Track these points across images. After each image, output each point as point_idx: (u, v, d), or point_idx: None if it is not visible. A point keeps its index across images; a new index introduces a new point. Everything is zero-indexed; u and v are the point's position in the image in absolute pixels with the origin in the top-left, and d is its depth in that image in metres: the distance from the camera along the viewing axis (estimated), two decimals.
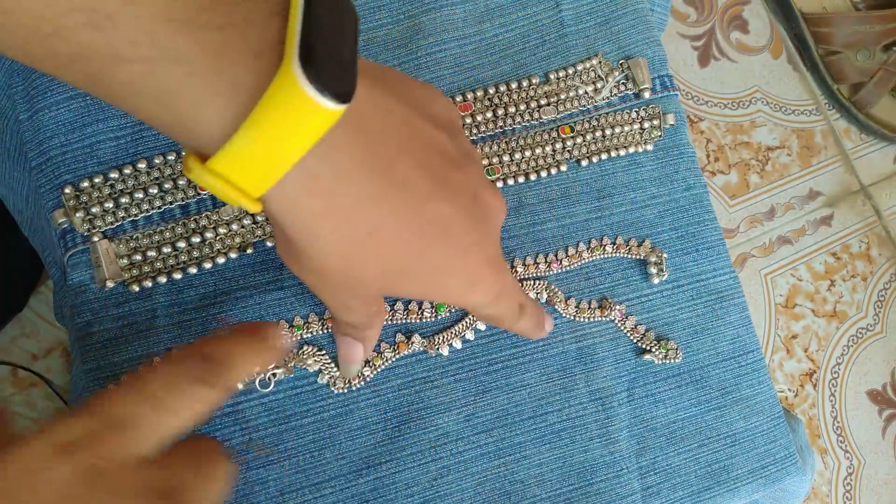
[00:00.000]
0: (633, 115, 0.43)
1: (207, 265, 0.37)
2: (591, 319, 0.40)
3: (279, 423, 0.37)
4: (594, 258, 0.41)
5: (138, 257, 0.36)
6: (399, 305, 0.38)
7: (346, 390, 0.37)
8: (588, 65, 0.42)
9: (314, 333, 0.37)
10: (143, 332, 0.36)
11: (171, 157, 0.37)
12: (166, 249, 0.36)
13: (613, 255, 0.41)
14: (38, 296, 0.77)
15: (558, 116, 0.42)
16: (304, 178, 0.24)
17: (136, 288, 0.36)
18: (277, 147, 0.23)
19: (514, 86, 0.41)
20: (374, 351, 0.38)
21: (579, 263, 0.41)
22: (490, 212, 0.31)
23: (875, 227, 0.99)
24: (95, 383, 0.36)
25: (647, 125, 0.43)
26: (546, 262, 0.40)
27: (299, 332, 0.37)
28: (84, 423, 0.24)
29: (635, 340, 0.41)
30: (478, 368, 0.39)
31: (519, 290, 0.34)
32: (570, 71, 0.42)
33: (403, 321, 0.38)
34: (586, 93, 0.42)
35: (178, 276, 0.37)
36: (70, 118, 0.37)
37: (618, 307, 0.41)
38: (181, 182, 0.37)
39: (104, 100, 0.24)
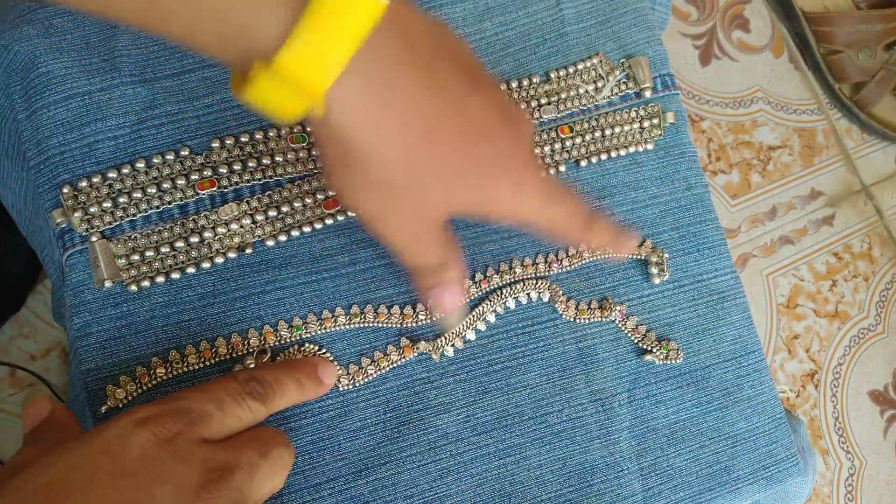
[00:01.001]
0: (633, 114, 0.42)
1: (206, 265, 0.37)
2: (592, 320, 0.40)
3: (277, 423, 0.36)
4: (595, 258, 0.41)
5: (137, 257, 0.36)
6: (395, 310, 0.38)
7: (350, 387, 0.37)
8: (589, 64, 0.42)
9: (313, 334, 0.37)
10: (142, 333, 0.36)
11: (170, 157, 0.37)
12: (164, 249, 0.36)
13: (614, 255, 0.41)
14: (37, 296, 0.77)
15: (559, 116, 0.41)
16: (359, 77, 0.26)
17: (134, 288, 0.36)
18: (337, 35, 0.25)
19: (514, 85, 0.41)
20: (379, 352, 0.38)
21: (580, 263, 0.41)
22: (521, 119, 0.33)
23: (877, 227, 0.99)
24: (94, 383, 0.36)
25: (646, 124, 0.42)
26: (546, 262, 0.40)
27: (298, 332, 0.37)
28: (160, 407, 0.30)
29: (636, 341, 0.41)
30: (478, 369, 0.39)
31: (580, 200, 0.35)
32: (571, 70, 0.42)
33: (399, 324, 0.38)
34: (587, 92, 0.42)
35: (176, 276, 0.36)
36: (68, 117, 0.37)
37: (618, 308, 0.40)
38: (179, 182, 0.37)
39: (154, 28, 0.25)
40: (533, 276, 0.40)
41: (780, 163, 0.98)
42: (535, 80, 0.41)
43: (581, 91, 0.42)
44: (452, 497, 0.38)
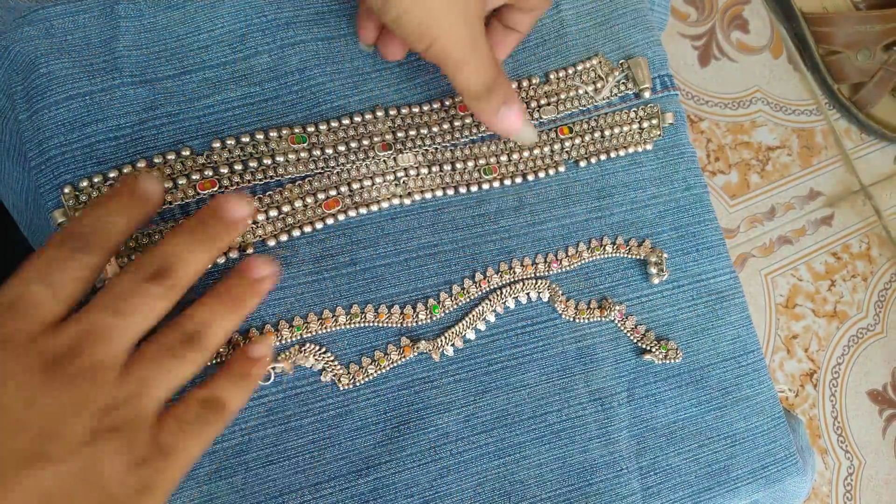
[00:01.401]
0: (632, 114, 0.43)
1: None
2: (591, 320, 0.40)
3: (279, 423, 0.37)
4: (594, 258, 0.41)
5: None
6: (395, 309, 0.38)
7: (350, 386, 0.37)
8: (588, 65, 0.42)
9: (314, 333, 0.37)
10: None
11: (171, 157, 0.37)
12: None
13: (613, 255, 0.41)
14: None
15: (558, 116, 0.42)
16: None
17: None
18: None
19: (514, 86, 0.41)
20: (380, 352, 0.38)
21: (579, 263, 0.41)
22: None
23: (875, 227, 0.99)
24: None
25: (645, 125, 0.43)
26: (546, 262, 0.40)
27: (299, 332, 0.37)
28: None
29: (635, 340, 0.41)
30: (477, 369, 0.39)
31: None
32: (570, 71, 0.42)
33: (400, 324, 0.38)
34: (586, 93, 0.42)
35: None
36: (69, 118, 0.37)
37: (618, 307, 0.41)
38: (181, 182, 0.37)
39: None
40: (532, 275, 0.40)
41: (779, 163, 0.98)
42: (534, 81, 0.42)
43: (580, 92, 0.42)
44: (452, 496, 0.38)
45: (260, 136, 0.38)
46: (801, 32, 0.99)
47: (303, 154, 0.38)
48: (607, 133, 0.42)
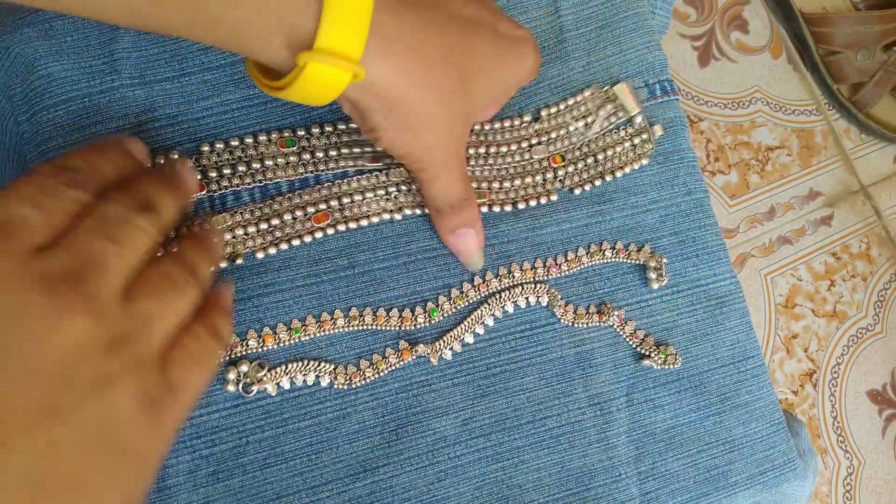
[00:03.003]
0: (622, 133, 0.42)
1: None
2: (590, 324, 0.40)
3: (276, 426, 0.37)
4: (594, 263, 0.41)
5: None
6: (394, 312, 0.38)
7: (346, 387, 0.37)
8: (580, 98, 0.42)
9: (312, 336, 0.37)
10: None
11: (160, 161, 0.37)
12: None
13: (613, 259, 0.41)
14: None
15: (550, 152, 0.41)
16: (381, 37, 0.30)
17: None
18: (353, 8, 0.28)
19: (507, 124, 0.41)
20: (378, 355, 0.38)
21: (579, 268, 0.41)
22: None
23: (875, 227, 0.99)
24: None
25: (637, 141, 0.42)
26: (545, 266, 0.40)
27: (297, 335, 0.37)
28: None
29: (634, 345, 0.41)
30: (476, 373, 0.39)
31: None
32: (562, 107, 0.42)
33: (398, 328, 0.38)
34: (577, 129, 0.42)
35: None
36: (69, 120, 0.37)
37: (617, 312, 0.41)
38: None
39: (200, 37, 0.29)
40: (531, 280, 0.40)
41: (779, 163, 0.98)
42: (525, 119, 0.41)
43: (571, 129, 0.42)
44: (450, 500, 0.38)
45: (249, 140, 0.38)
46: (800, 33, 0.99)
47: (292, 158, 0.38)
48: (600, 157, 0.42)
